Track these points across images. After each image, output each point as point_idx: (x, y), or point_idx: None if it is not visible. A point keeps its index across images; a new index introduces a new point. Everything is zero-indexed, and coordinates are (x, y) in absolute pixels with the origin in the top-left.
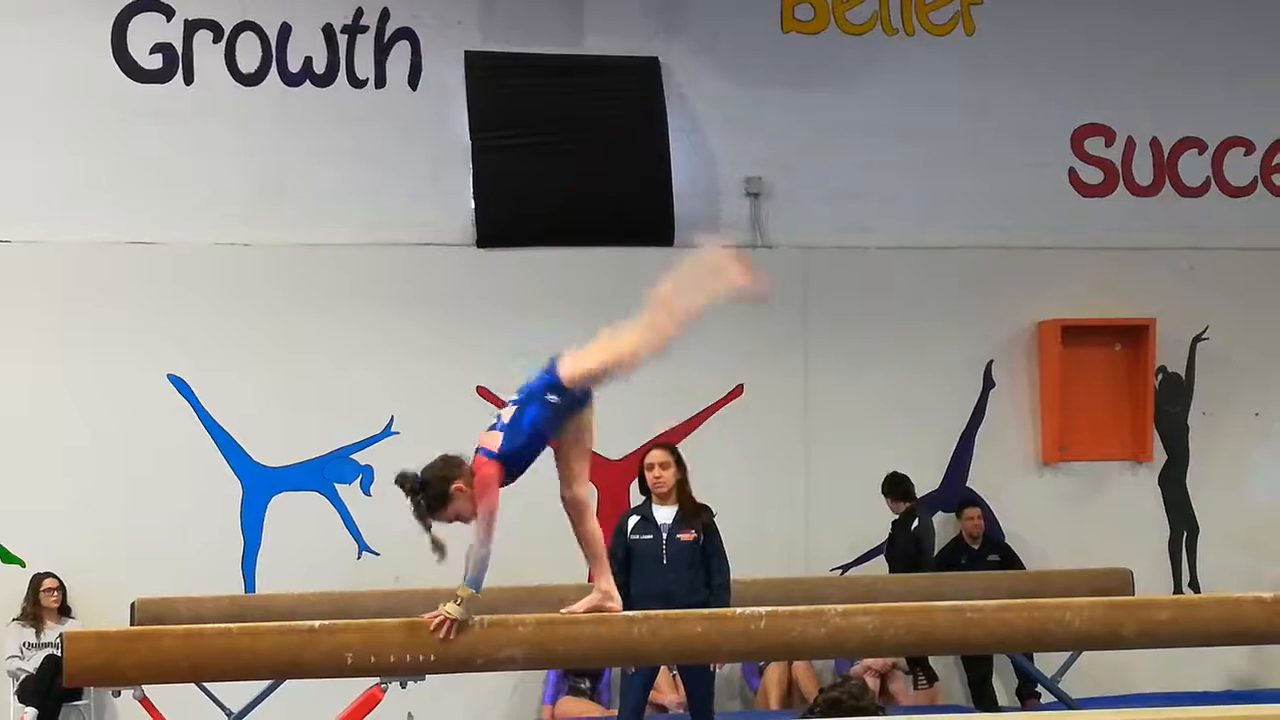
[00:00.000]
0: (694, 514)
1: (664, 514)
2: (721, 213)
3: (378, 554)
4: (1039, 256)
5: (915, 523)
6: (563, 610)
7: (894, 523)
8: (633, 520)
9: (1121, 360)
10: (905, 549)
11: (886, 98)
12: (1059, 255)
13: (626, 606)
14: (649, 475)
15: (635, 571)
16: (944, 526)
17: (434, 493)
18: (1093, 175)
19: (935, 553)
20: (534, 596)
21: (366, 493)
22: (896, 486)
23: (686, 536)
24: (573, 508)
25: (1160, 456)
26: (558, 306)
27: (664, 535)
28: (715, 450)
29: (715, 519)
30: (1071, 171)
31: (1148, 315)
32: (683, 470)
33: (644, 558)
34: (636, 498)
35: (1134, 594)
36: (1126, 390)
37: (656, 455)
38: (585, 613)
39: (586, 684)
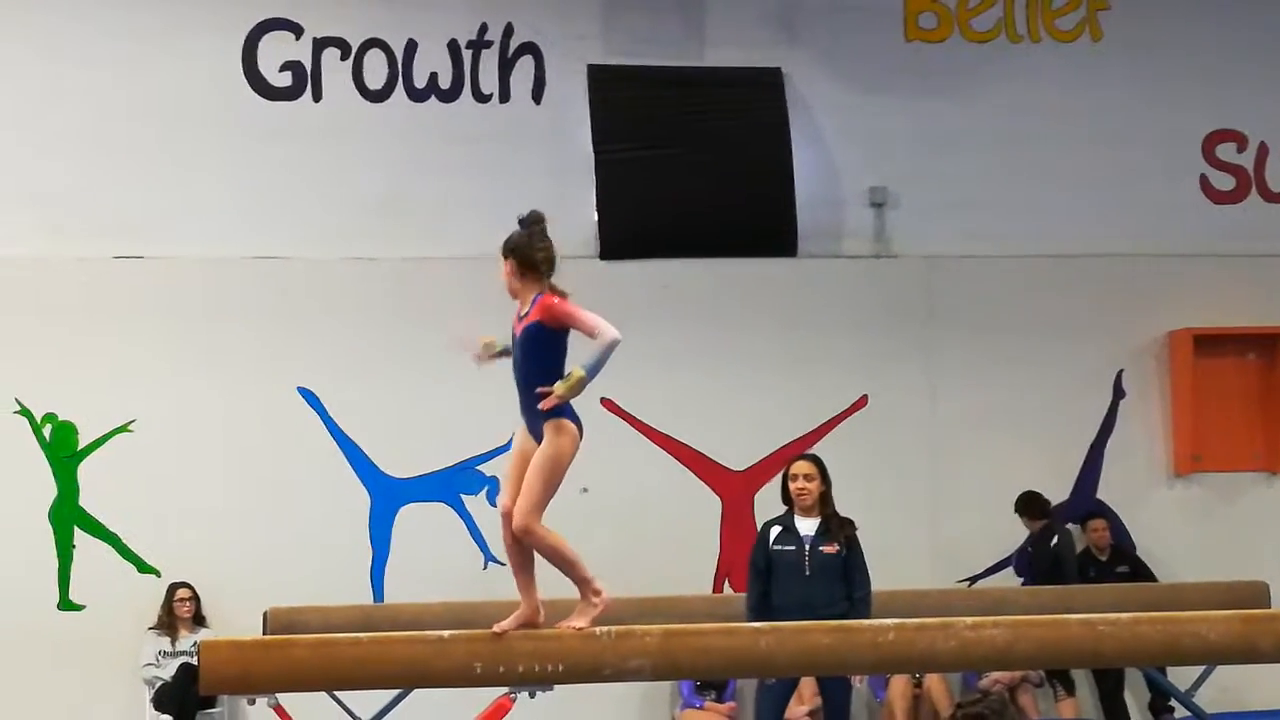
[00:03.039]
0: (838, 527)
1: (806, 526)
2: (845, 223)
3: (503, 564)
4: (1170, 264)
5: (1055, 539)
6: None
7: (1031, 540)
8: (775, 530)
9: (1255, 369)
10: (1043, 566)
11: (1012, 105)
12: (1190, 263)
13: (768, 616)
14: (793, 486)
15: (778, 581)
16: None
17: (524, 252)
18: (1224, 181)
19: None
20: (659, 608)
21: (492, 504)
22: (1030, 505)
23: (830, 549)
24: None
25: None
26: (681, 318)
27: (807, 547)
28: (839, 461)
29: (858, 533)
30: (1203, 178)
31: None
32: (827, 483)
33: (787, 568)
34: (761, 508)
35: (1270, 607)
36: (1260, 400)
37: (802, 466)
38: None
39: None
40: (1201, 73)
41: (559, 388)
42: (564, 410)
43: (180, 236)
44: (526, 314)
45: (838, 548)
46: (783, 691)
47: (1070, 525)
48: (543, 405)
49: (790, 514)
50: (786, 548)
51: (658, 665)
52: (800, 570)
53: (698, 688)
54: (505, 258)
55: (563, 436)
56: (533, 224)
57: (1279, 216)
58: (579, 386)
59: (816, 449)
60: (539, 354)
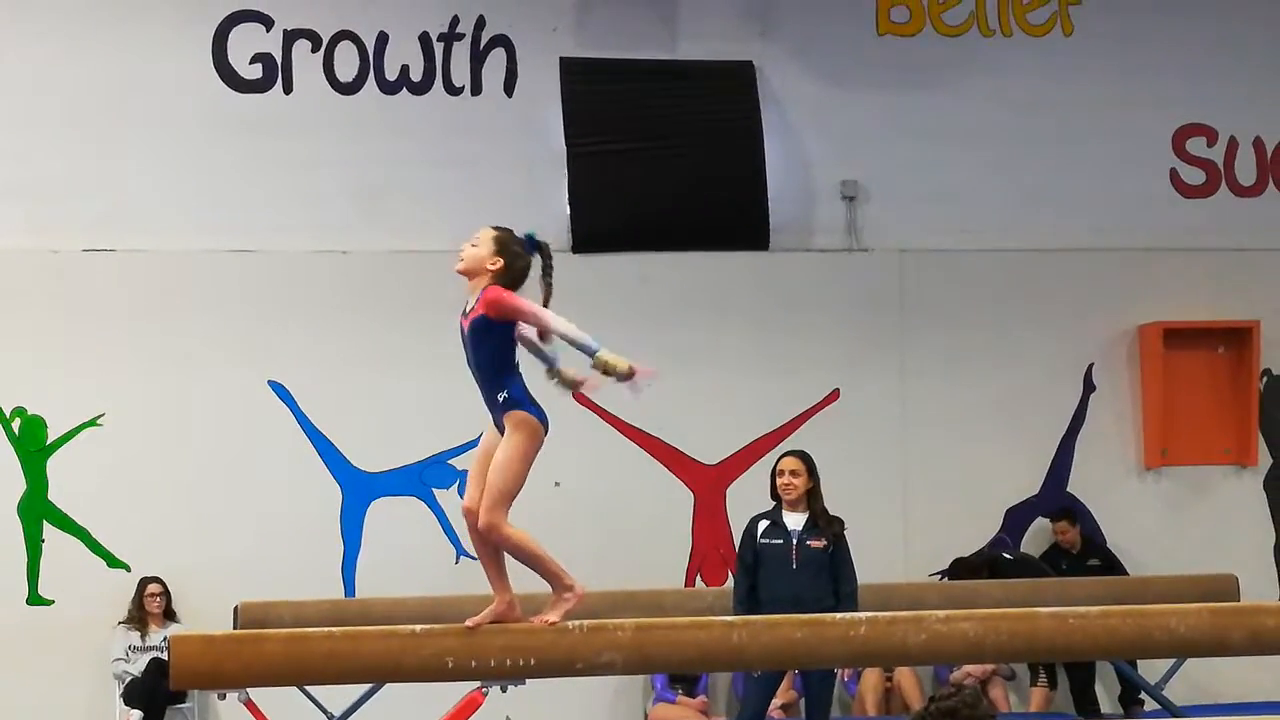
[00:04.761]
0: (825, 524)
1: (794, 520)
2: (817, 217)
3: (475, 558)
4: (1140, 259)
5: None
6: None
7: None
8: (763, 525)
9: (1225, 363)
10: None
11: (984, 99)
12: (1160, 257)
13: (755, 610)
14: (779, 481)
15: (765, 576)
16: (1043, 532)
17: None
18: (1194, 176)
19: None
20: (632, 601)
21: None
22: (960, 572)
23: (817, 544)
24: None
25: (1265, 460)
26: (653, 311)
27: (794, 541)
28: (811, 455)
29: (845, 531)
30: (1173, 172)
31: (1251, 318)
32: (814, 479)
33: (774, 562)
34: (733, 502)
35: (1239, 600)
36: (1230, 394)
37: (788, 462)
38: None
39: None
40: (1172, 67)
41: (609, 357)
42: (524, 402)
43: (151, 229)
44: (472, 309)
45: (825, 543)
46: (770, 682)
47: (1042, 518)
48: (588, 388)
49: (778, 509)
50: (774, 541)
51: (629, 659)
52: (787, 564)
53: (670, 682)
54: (499, 255)
55: (522, 431)
56: (542, 253)
57: (1249, 211)
58: (613, 362)
59: (788, 443)
60: (489, 346)
